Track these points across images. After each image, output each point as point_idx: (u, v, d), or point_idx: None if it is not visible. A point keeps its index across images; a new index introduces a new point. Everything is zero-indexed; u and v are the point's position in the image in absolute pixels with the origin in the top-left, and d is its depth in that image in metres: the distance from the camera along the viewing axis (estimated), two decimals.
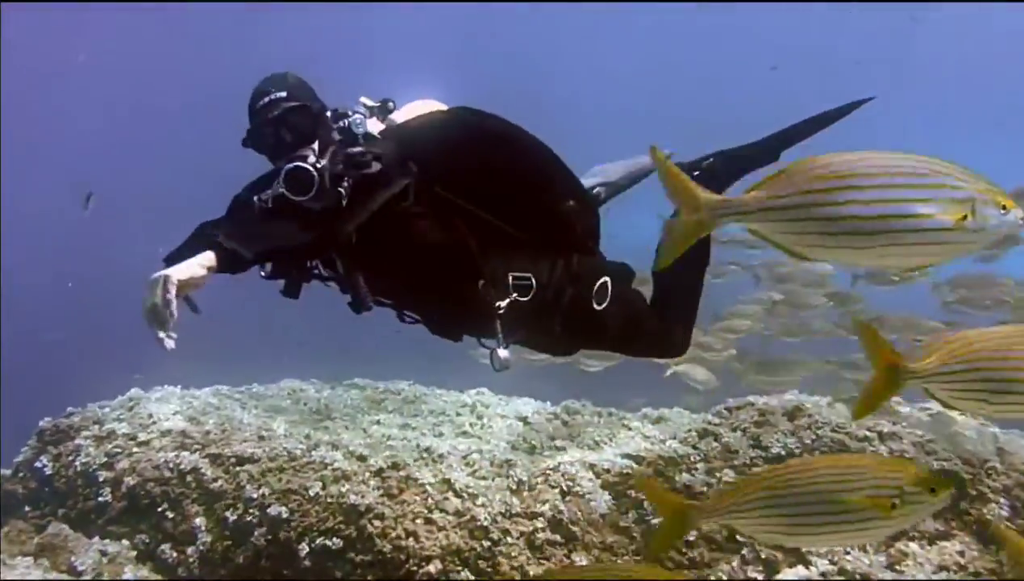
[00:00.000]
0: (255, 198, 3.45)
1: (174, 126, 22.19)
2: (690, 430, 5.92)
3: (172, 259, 3.69)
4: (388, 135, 3.67)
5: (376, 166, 3.43)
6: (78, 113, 23.10)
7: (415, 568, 4.80)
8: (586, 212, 3.90)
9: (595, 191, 4.52)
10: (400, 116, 3.76)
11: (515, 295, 3.68)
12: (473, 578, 4.76)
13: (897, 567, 4.74)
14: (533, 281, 3.71)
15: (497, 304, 3.67)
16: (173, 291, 2.92)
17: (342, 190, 3.36)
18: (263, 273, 3.64)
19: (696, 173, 4.31)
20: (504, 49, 23.29)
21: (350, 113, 3.61)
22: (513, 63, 22.71)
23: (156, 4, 21.01)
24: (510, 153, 3.75)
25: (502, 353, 3.75)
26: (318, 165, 3.39)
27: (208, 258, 3.10)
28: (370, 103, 3.70)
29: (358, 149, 3.46)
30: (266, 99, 3.45)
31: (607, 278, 3.94)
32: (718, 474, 5.34)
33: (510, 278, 3.69)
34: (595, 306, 3.90)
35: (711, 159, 4.40)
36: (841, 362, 7.09)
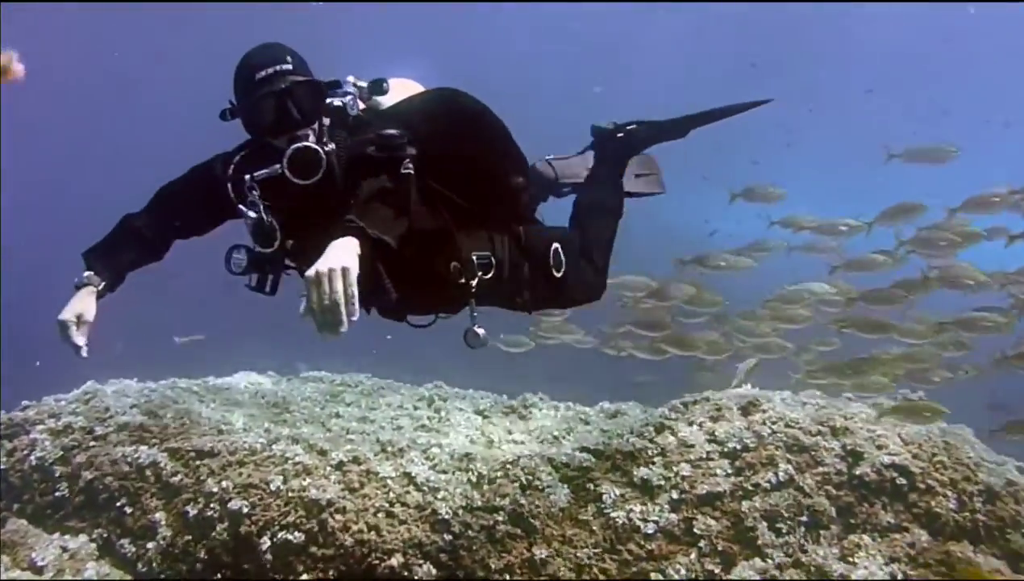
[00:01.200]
0: (247, 177, 3.39)
1: (158, 121, 22.10)
2: (647, 424, 6.00)
3: (96, 253, 3.65)
4: (382, 116, 3.68)
5: (411, 150, 3.42)
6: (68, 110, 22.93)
7: (377, 562, 4.82)
8: (529, 186, 4.02)
9: (629, 127, 4.88)
10: (383, 97, 3.78)
11: (480, 274, 3.75)
12: (435, 571, 4.80)
13: (850, 558, 4.86)
14: (492, 258, 3.78)
15: (470, 283, 3.74)
16: (355, 285, 2.78)
17: (409, 172, 3.34)
18: (234, 268, 3.62)
19: (620, 134, 4.86)
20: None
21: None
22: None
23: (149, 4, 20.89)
24: (483, 134, 3.86)
25: (479, 331, 3.82)
26: (325, 148, 3.36)
27: (357, 246, 2.92)
28: (359, 83, 3.67)
29: (393, 132, 3.44)
30: (271, 70, 3.36)
31: (557, 244, 4.06)
32: (675, 468, 5.42)
33: (474, 257, 3.75)
34: (555, 273, 4.04)
35: (635, 125, 4.92)
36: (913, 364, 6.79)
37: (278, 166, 3.35)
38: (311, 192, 3.38)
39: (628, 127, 4.93)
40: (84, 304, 3.48)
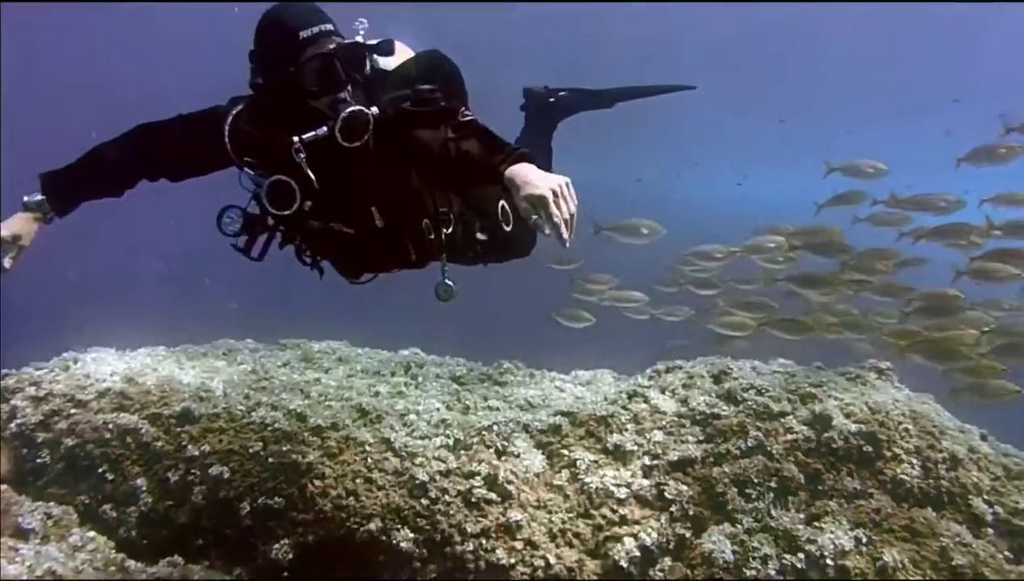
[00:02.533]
0: (295, 139, 3.41)
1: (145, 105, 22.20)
2: (620, 391, 6.09)
3: (57, 180, 3.59)
4: (390, 77, 3.78)
5: (444, 103, 3.55)
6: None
7: (355, 527, 4.90)
8: None
9: (560, 93, 5.08)
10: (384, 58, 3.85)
11: (444, 229, 3.83)
12: (412, 535, 4.88)
13: (816, 523, 4.98)
14: (450, 214, 3.85)
15: (440, 238, 3.83)
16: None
17: (471, 117, 3.49)
18: (226, 229, 3.66)
19: (551, 99, 5.15)
20: None
21: None
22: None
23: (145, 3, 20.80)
24: (461, 96, 3.96)
25: (449, 282, 3.92)
26: (373, 111, 3.44)
27: None
28: (370, 42, 3.70)
29: (427, 87, 3.54)
30: (315, 29, 3.38)
31: (503, 201, 4.17)
32: (647, 435, 5.53)
33: (439, 213, 3.83)
34: (505, 228, 4.14)
35: (565, 92, 5.25)
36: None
37: (325, 129, 3.40)
38: (345, 153, 3.45)
39: (560, 92, 5.20)
40: (25, 227, 3.43)
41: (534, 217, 2.95)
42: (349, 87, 3.48)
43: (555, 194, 2.93)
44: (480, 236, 4.15)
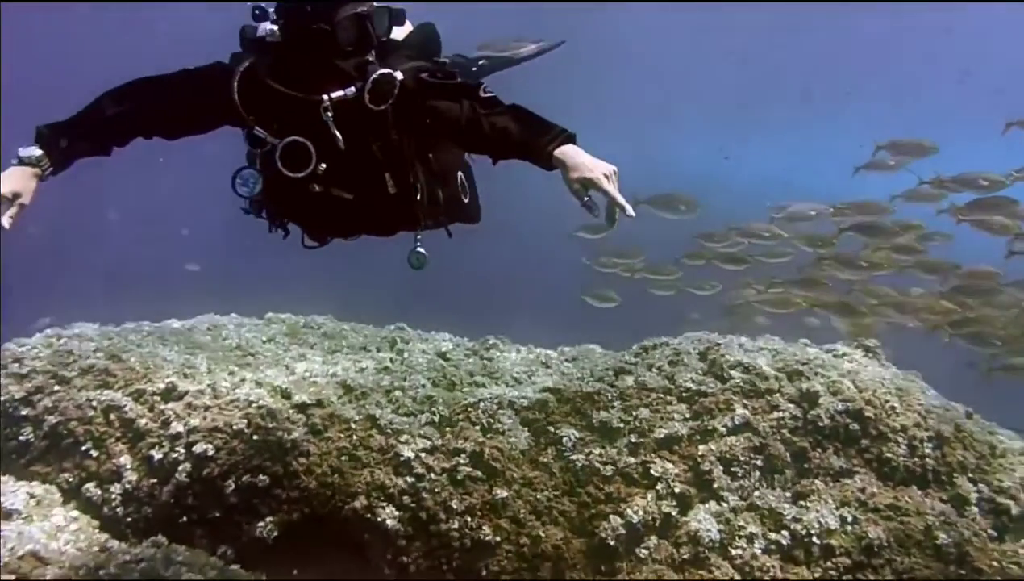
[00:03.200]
0: (324, 97, 3.37)
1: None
2: (607, 368, 6.07)
3: (55, 134, 3.42)
4: (401, 45, 3.76)
5: (459, 79, 3.60)
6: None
7: (341, 504, 4.90)
8: None
9: (480, 62, 5.11)
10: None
11: (416, 197, 3.84)
12: (397, 513, 4.87)
13: (802, 502, 5.00)
14: (418, 183, 3.86)
15: (418, 204, 3.84)
16: None
17: (494, 94, 3.55)
18: (242, 191, 3.61)
19: (474, 68, 5.10)
20: None
21: None
22: None
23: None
24: None
25: (421, 250, 3.95)
26: (398, 76, 3.45)
27: None
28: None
29: (446, 60, 3.68)
30: None
31: (460, 172, 4.21)
32: (634, 412, 5.51)
33: (411, 180, 3.82)
34: (464, 199, 4.17)
35: (484, 60, 5.28)
36: None
37: (354, 89, 3.39)
38: (367, 116, 3.45)
39: (480, 61, 5.22)
40: (25, 184, 3.24)
41: (585, 198, 3.16)
42: (373, 50, 3.46)
43: (606, 178, 3.11)
44: (442, 204, 4.15)
